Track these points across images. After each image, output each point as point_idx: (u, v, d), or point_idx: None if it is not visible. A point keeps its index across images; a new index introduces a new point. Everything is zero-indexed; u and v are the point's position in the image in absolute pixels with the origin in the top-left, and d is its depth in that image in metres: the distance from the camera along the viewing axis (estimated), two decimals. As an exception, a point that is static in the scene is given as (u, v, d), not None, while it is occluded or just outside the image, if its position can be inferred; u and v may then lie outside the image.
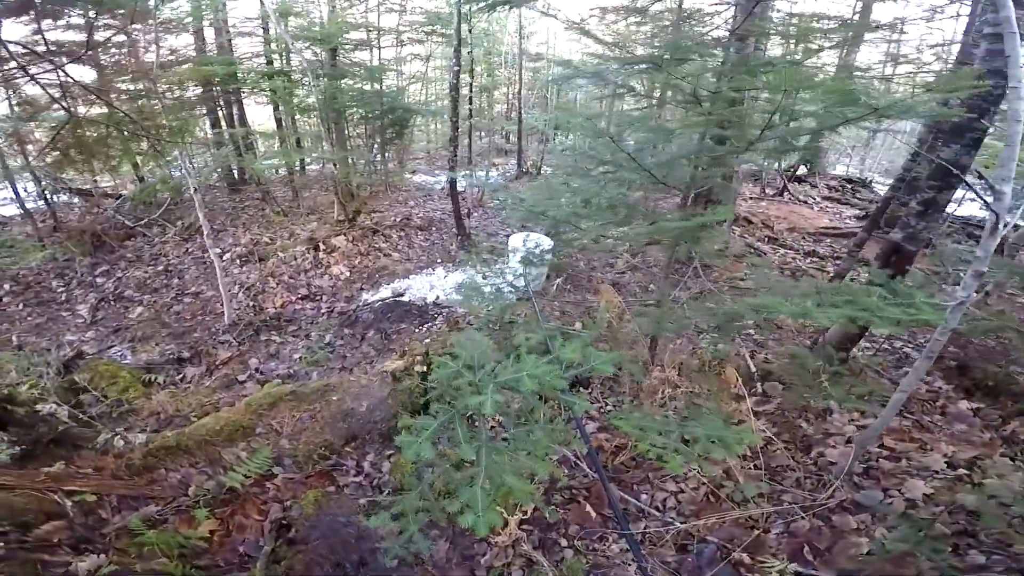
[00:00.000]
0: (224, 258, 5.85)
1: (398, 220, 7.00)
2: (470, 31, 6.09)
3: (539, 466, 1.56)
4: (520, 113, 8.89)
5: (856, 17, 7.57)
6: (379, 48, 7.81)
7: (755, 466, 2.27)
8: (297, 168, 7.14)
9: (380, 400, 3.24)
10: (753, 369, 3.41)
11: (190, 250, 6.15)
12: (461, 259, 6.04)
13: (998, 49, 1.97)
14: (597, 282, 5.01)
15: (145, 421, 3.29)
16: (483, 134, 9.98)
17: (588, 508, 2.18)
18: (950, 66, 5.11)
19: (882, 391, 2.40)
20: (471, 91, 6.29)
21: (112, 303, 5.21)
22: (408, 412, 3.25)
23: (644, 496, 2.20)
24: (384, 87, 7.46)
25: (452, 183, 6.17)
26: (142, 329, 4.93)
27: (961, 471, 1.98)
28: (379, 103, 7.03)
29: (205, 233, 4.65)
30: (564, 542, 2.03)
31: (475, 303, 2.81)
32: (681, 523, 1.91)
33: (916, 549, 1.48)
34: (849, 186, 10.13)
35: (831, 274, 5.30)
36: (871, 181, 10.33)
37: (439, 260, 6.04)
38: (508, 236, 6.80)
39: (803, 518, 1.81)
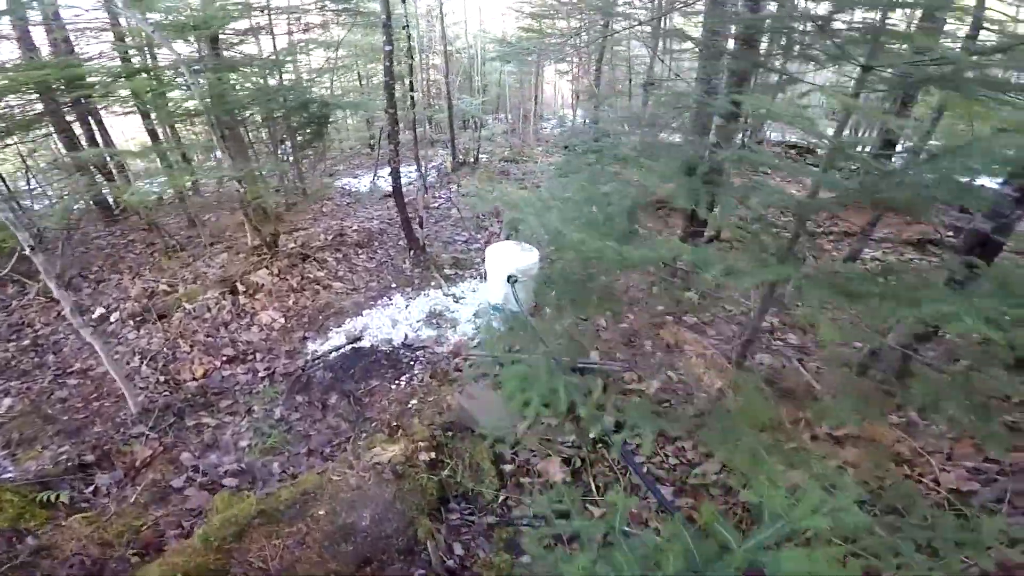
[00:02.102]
0: (111, 320, 4.92)
1: (330, 238, 6.29)
2: (403, 1, 5.47)
3: None
4: (450, 99, 8.35)
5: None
6: (273, 35, 6.91)
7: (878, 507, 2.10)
8: (189, 187, 6.17)
9: (385, 506, 2.72)
10: (817, 385, 3.26)
11: (63, 313, 5.12)
12: (420, 280, 5.49)
13: None
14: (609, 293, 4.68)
15: (67, 567, 2.58)
16: (403, 125, 9.40)
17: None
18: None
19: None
20: (411, 74, 5.67)
21: (-37, 401, 4.20)
22: (425, 515, 2.77)
23: None
24: (288, 80, 6.64)
25: (396, 187, 5.57)
26: (18, 428, 3.98)
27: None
28: (285, 99, 6.21)
29: (67, 309, 3.59)
30: None
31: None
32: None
33: None
34: (794, 152, 10.53)
35: (833, 253, 5.35)
36: (815, 147, 10.79)
37: (393, 284, 5.44)
38: (466, 242, 6.34)
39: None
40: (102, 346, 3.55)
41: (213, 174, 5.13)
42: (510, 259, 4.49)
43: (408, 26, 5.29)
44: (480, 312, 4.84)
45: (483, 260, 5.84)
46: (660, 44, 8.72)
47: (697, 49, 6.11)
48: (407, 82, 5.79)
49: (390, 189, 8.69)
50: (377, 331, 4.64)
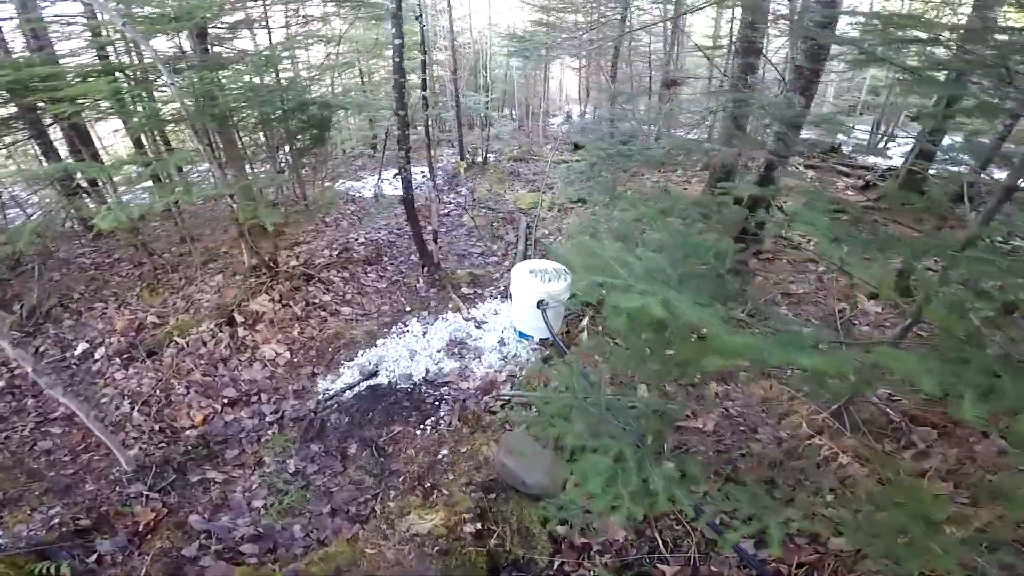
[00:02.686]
0: (96, 357, 4.62)
1: (335, 254, 6.00)
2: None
3: None
4: (458, 97, 8.06)
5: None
6: (269, 29, 6.56)
7: None
8: (180, 196, 5.83)
9: (431, 587, 2.49)
10: (893, 416, 3.03)
11: (43, 348, 4.82)
12: (437, 301, 5.21)
13: None
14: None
15: None
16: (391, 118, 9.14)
17: None
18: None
19: None
20: (424, 71, 5.36)
21: (-66, 456, 3.91)
22: (476, 596, 2.54)
23: None
24: (285, 78, 6.31)
25: (408, 198, 5.26)
26: (1, 486, 3.73)
27: None
28: (282, 100, 5.88)
29: (29, 371, 3.23)
30: None
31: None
32: None
33: None
34: (817, 150, 10.33)
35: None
36: (840, 145, 10.62)
37: (408, 308, 5.17)
38: (482, 255, 6.09)
39: None
40: (80, 405, 3.27)
41: (202, 190, 4.78)
42: (539, 283, 4.23)
43: (421, 16, 4.96)
44: (506, 340, 4.58)
45: (502, 276, 5.59)
46: (680, 40, 8.52)
47: (735, 45, 5.87)
48: (419, 79, 5.47)
49: (396, 193, 8.44)
50: (394, 365, 4.38)
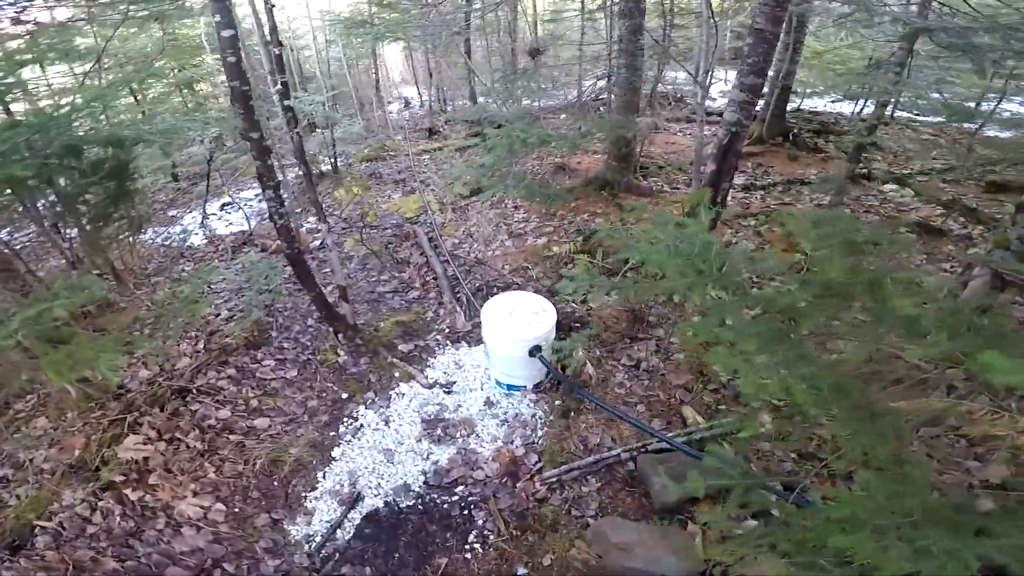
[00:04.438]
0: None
1: (200, 346, 4.90)
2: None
3: None
4: (287, 95, 6.90)
5: None
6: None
7: None
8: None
9: None
10: None
11: None
12: (377, 375, 4.58)
13: None
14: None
15: None
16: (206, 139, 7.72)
17: None
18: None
19: None
20: (283, 71, 4.41)
21: None
22: None
23: None
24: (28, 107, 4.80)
25: (294, 257, 4.45)
26: None
27: None
28: (40, 144, 4.45)
29: None
30: None
31: None
32: None
33: None
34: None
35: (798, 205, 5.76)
36: (681, 96, 11.86)
37: (343, 395, 4.48)
38: (397, 293, 5.58)
39: None
40: None
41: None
42: (524, 326, 4.00)
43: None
44: (494, 399, 4.25)
45: (435, 314, 5.22)
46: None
47: (615, 5, 5.89)
48: (279, 85, 4.51)
49: (227, 231, 7.22)
50: (376, 478, 3.84)
